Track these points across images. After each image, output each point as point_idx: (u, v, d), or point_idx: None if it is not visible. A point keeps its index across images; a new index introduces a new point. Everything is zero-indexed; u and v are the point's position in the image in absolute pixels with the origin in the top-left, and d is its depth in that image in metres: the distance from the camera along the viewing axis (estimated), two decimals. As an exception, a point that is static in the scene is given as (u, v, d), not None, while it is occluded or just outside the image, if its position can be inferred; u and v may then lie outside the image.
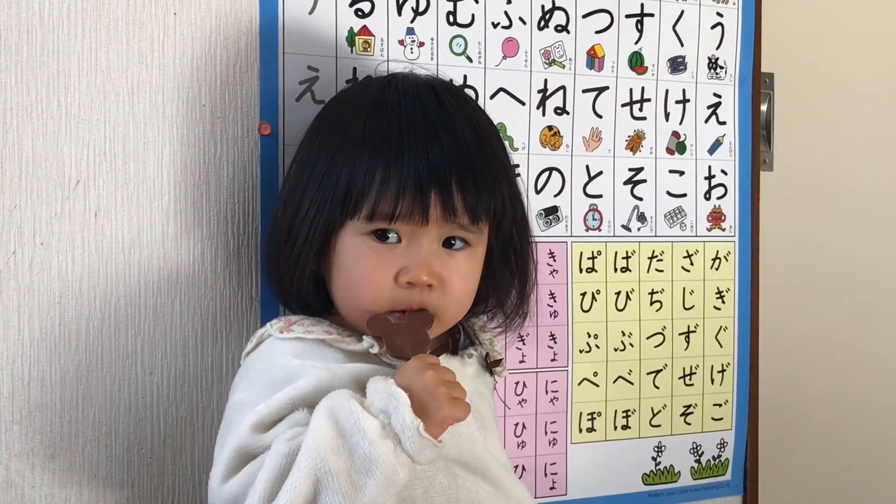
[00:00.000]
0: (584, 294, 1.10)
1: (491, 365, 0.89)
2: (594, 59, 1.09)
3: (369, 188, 0.76)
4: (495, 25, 1.03)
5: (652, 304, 1.14)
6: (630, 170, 1.12)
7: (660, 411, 1.15)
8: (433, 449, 0.68)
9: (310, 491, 0.65)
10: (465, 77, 1.02)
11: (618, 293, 1.12)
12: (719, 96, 1.17)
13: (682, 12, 1.14)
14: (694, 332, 1.16)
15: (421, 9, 1.00)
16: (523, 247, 0.88)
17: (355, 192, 0.77)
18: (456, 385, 0.73)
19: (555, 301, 1.08)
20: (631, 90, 1.11)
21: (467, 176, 0.77)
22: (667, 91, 1.13)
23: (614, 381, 1.12)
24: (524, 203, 0.89)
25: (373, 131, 0.78)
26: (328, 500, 0.65)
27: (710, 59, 1.16)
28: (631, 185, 1.12)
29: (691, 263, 1.16)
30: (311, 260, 0.81)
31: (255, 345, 0.82)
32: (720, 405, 1.18)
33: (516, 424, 1.07)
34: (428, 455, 0.68)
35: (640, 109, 1.12)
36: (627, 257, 1.12)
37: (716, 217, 1.17)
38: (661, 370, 1.15)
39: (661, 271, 1.14)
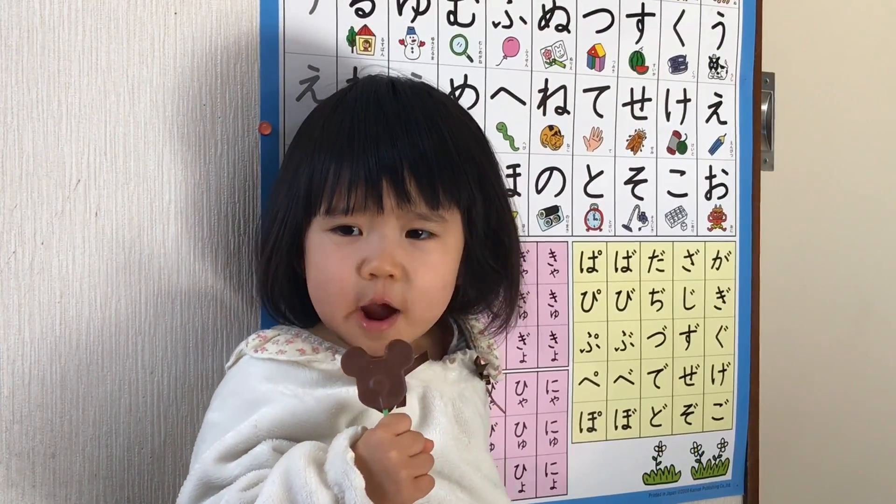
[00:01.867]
0: (584, 294, 1.10)
1: (479, 369, 0.88)
2: (595, 59, 1.09)
3: (325, 184, 0.77)
4: (496, 25, 1.03)
5: (653, 303, 1.14)
6: (631, 169, 1.12)
7: (660, 411, 1.15)
8: None
9: None
10: (465, 77, 1.02)
11: (618, 293, 1.12)
12: (720, 96, 1.17)
13: (683, 12, 1.14)
14: (694, 331, 1.16)
15: (421, 8, 0.99)
16: (504, 241, 0.86)
17: (314, 190, 0.78)
18: (422, 459, 0.70)
19: (555, 301, 1.08)
20: (632, 90, 1.11)
21: (420, 164, 0.77)
22: (668, 91, 1.13)
23: (615, 381, 1.12)
24: (505, 195, 0.87)
25: (329, 130, 0.80)
26: None
27: (710, 58, 1.16)
28: (632, 185, 1.12)
29: (692, 263, 1.16)
30: (282, 261, 0.82)
31: (234, 361, 0.82)
32: (721, 405, 1.18)
33: (517, 424, 1.07)
34: None
35: (641, 109, 1.12)
36: (628, 257, 1.12)
37: (716, 217, 1.17)
38: (662, 370, 1.15)
39: (662, 271, 1.14)
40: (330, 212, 0.77)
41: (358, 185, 0.76)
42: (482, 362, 0.88)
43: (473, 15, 1.02)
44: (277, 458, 0.71)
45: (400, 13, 0.98)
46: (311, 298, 0.82)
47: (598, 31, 1.09)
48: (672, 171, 1.14)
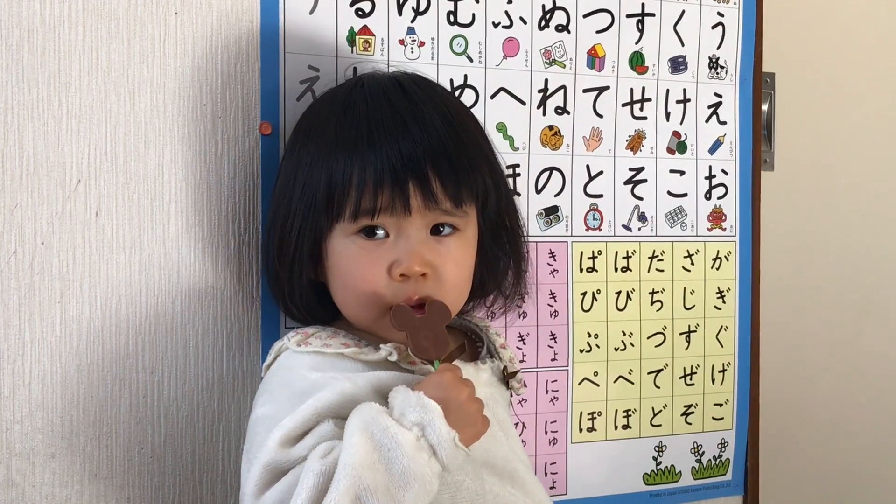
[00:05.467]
0: (584, 294, 1.10)
1: (507, 376, 0.90)
2: (595, 59, 1.09)
3: (348, 187, 0.77)
4: (496, 25, 1.03)
5: (652, 303, 1.14)
6: (630, 169, 1.12)
7: (660, 411, 1.15)
8: (464, 457, 0.70)
9: None
10: (465, 77, 1.02)
11: (618, 293, 1.12)
12: (720, 96, 1.17)
13: (683, 12, 1.14)
14: (694, 331, 1.16)
15: (421, 8, 1.00)
16: (512, 226, 0.89)
17: (336, 195, 0.78)
18: (479, 398, 0.75)
19: (555, 301, 1.08)
20: (631, 90, 1.11)
21: (442, 161, 0.78)
22: (667, 91, 1.13)
23: (615, 381, 1.12)
24: (508, 183, 0.90)
25: (344, 132, 0.79)
26: None
27: (710, 58, 1.16)
28: (631, 185, 1.12)
29: (692, 263, 1.16)
30: (305, 269, 0.82)
31: (274, 357, 0.83)
32: (721, 405, 1.18)
33: (516, 424, 1.07)
34: (458, 463, 0.70)
35: (641, 109, 1.12)
36: (628, 257, 1.12)
37: (716, 217, 1.17)
38: (662, 370, 1.15)
39: (662, 271, 1.14)
40: (356, 215, 0.77)
41: (383, 187, 0.76)
42: (509, 372, 0.90)
43: (473, 15, 1.02)
44: (342, 434, 0.71)
45: (400, 13, 0.99)
46: (337, 302, 0.83)
47: (597, 32, 1.09)
48: (672, 171, 1.14)
